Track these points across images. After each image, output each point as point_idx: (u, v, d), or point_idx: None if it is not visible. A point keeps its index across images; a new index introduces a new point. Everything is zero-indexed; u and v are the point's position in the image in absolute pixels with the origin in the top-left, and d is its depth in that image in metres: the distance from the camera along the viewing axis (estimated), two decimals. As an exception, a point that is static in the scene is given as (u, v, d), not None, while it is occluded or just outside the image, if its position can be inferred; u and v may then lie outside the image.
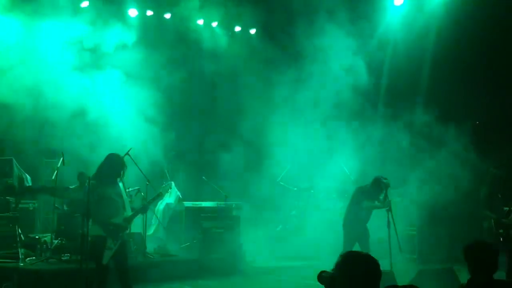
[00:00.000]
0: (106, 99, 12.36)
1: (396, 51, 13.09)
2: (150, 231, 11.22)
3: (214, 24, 14.08)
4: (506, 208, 9.38)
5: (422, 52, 12.83)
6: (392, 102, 13.02)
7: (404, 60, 12.86)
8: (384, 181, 9.01)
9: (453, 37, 12.24)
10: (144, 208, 7.35)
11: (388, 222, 8.70)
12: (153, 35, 13.29)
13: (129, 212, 7.04)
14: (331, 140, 12.22)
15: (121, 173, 7.02)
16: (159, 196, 7.54)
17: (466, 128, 11.72)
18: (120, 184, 7.08)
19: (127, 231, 7.19)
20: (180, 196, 11.64)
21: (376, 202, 9.12)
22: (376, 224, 9.42)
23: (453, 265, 9.25)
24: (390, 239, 8.65)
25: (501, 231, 9.13)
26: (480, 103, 12.51)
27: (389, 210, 8.77)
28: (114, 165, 6.99)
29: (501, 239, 9.02)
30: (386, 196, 9.00)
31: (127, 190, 7.31)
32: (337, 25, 12.35)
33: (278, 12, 13.43)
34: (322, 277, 3.39)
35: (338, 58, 12.40)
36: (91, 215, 6.84)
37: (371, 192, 9.14)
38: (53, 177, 10.81)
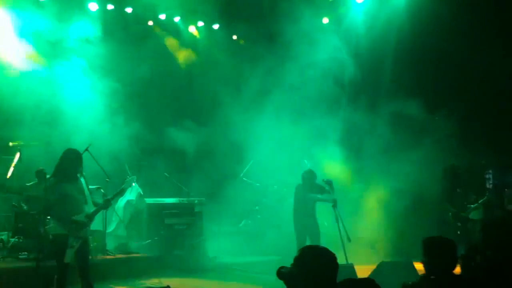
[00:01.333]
0: (67, 92, 12.12)
1: (359, 45, 13.20)
2: (110, 229, 11.03)
3: (177, 18, 13.96)
4: (471, 206, 9.66)
5: (385, 46, 12.96)
6: (363, 94, 13.02)
7: (368, 54, 12.99)
8: (324, 179, 9.58)
9: (414, 31, 12.45)
10: (106, 204, 7.17)
11: (336, 217, 9.03)
12: (115, 29, 13.09)
13: (91, 208, 6.89)
14: (296, 134, 12.25)
15: (80, 169, 6.88)
16: (122, 191, 7.39)
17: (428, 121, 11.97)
18: (82, 180, 6.92)
19: (89, 228, 7.04)
20: (142, 192, 11.48)
21: (320, 196, 9.61)
22: (326, 222, 9.68)
23: (413, 258, 9.47)
24: (340, 233, 8.92)
25: (459, 224, 9.37)
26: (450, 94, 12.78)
27: (335, 205, 9.14)
28: (72, 161, 6.83)
29: (459, 232, 9.27)
30: (332, 193, 9.33)
31: (89, 187, 7.15)
32: (302, 20, 12.46)
33: (239, 6, 13.43)
34: (281, 272, 3.42)
35: (305, 50, 12.47)
36: (52, 213, 6.70)
37: (308, 185, 9.66)
38: (10, 174, 10.52)
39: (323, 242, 9.22)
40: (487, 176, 13.55)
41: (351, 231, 9.19)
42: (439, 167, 10.19)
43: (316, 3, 13.20)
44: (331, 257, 3.31)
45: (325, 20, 13.98)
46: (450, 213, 9.23)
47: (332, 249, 3.41)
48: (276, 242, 11.42)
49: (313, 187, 9.71)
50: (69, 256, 6.56)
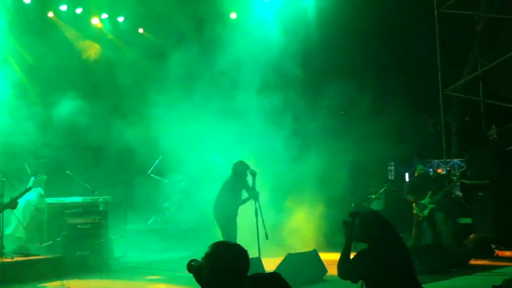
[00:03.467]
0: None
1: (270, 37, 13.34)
2: (8, 231, 10.39)
3: (79, 10, 13.44)
4: (372, 196, 10.10)
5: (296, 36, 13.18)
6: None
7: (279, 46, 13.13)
8: (249, 169, 9.18)
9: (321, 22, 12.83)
10: (12, 203, 6.61)
11: (256, 211, 8.91)
12: (14, 18, 12.40)
13: None
14: (206, 128, 12.14)
15: None
16: (29, 190, 6.90)
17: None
18: None
19: None
20: (42, 192, 10.91)
21: (246, 196, 9.24)
22: (244, 213, 9.59)
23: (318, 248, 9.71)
24: (258, 227, 8.86)
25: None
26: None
27: (257, 199, 9.00)
28: None
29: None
30: (253, 186, 9.17)
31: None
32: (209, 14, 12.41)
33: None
34: (191, 266, 3.39)
35: (216, 43, 12.42)
36: None
37: (238, 181, 9.22)
38: None
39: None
40: (389, 167, 14.24)
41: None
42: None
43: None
44: (242, 253, 3.30)
45: (233, 15, 14.03)
46: (352, 204, 9.60)
47: (247, 242, 3.40)
48: (185, 238, 11.30)
49: (241, 182, 9.21)
50: None
